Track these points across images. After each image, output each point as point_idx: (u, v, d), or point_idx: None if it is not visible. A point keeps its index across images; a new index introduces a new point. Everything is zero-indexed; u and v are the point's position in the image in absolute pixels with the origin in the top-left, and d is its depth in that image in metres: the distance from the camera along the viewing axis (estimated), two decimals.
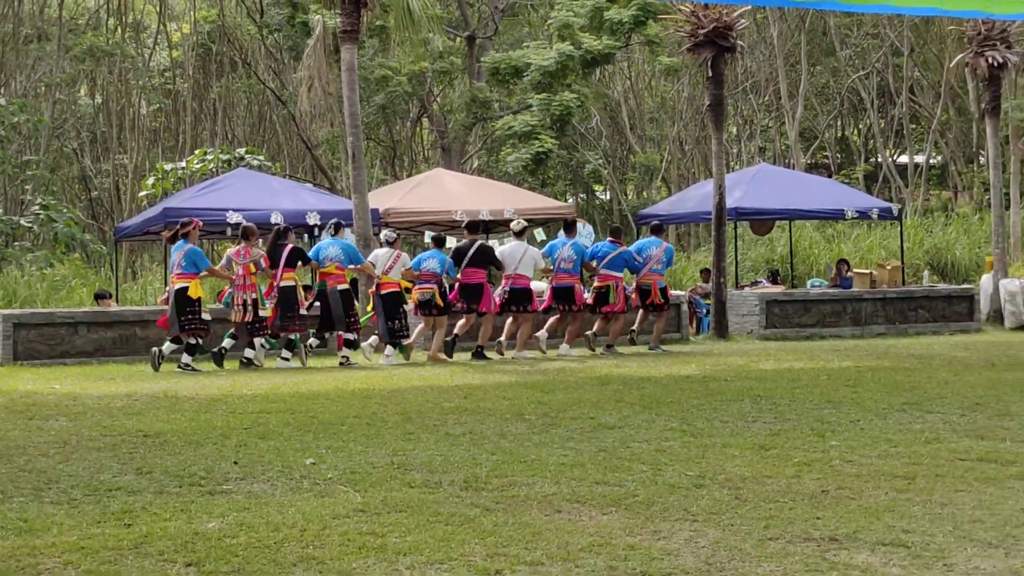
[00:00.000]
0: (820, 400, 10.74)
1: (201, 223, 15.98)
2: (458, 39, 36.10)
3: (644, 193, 39.60)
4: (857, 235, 29.60)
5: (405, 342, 15.79)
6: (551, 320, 16.68)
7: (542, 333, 16.50)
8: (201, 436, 8.82)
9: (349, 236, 19.29)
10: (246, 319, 15.03)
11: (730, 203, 20.49)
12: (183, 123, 39.18)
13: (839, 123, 43.66)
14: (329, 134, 34.69)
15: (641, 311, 17.28)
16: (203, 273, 15.07)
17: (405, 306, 15.80)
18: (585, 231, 20.81)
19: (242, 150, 28.91)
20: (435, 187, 21.92)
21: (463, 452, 8.05)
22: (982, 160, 35.81)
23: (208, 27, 38.65)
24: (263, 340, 15.32)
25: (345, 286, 15.61)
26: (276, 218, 18.78)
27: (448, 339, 15.98)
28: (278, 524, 5.93)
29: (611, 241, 17.02)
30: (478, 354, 15.94)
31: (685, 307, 19.54)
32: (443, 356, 15.81)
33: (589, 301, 16.69)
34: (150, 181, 27.72)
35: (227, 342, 15.30)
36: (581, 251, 16.60)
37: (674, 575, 5.10)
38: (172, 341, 14.83)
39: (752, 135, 41.26)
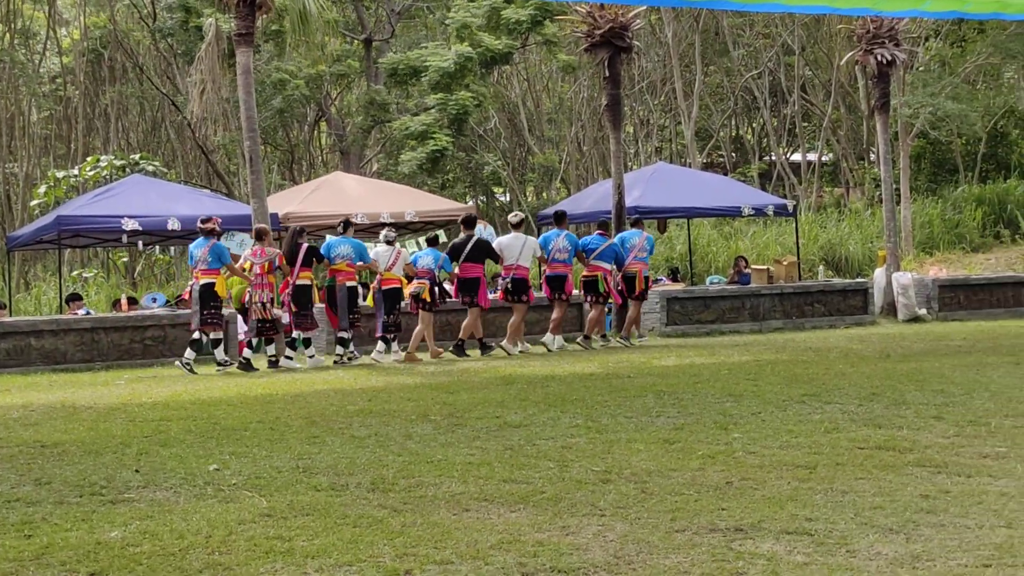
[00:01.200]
0: (722, 394, 10.86)
1: (220, 220, 16.39)
2: (355, 42, 35.93)
3: (544, 194, 39.77)
4: (754, 232, 30.01)
5: (392, 335, 16.33)
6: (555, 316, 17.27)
7: (547, 337, 17.03)
8: (100, 445, 8.66)
9: (248, 241, 19.12)
10: (263, 316, 15.44)
11: (629, 202, 20.66)
12: (75, 130, 38.46)
13: (733, 122, 44.21)
14: (225, 139, 34.30)
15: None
16: (223, 269, 15.43)
17: (403, 302, 16.43)
18: (486, 232, 20.82)
19: (136, 156, 28.46)
20: (334, 190, 21.80)
21: (369, 454, 8.01)
22: (873, 156, 36.49)
23: (99, 33, 37.97)
24: (260, 341, 15.80)
25: (354, 283, 16.18)
26: (173, 224, 18.56)
27: (457, 343, 16.52)
28: (182, 531, 5.85)
29: (599, 234, 17.78)
30: (459, 348, 16.41)
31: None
32: (418, 357, 16.17)
33: (578, 291, 17.45)
34: (42, 189, 27.18)
35: (247, 352, 15.66)
36: (575, 242, 17.27)
37: (583, 569, 5.12)
38: (190, 346, 15.28)
39: (649, 135, 41.62)
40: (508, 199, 41.39)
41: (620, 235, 18.33)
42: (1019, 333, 17.56)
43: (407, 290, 16.49)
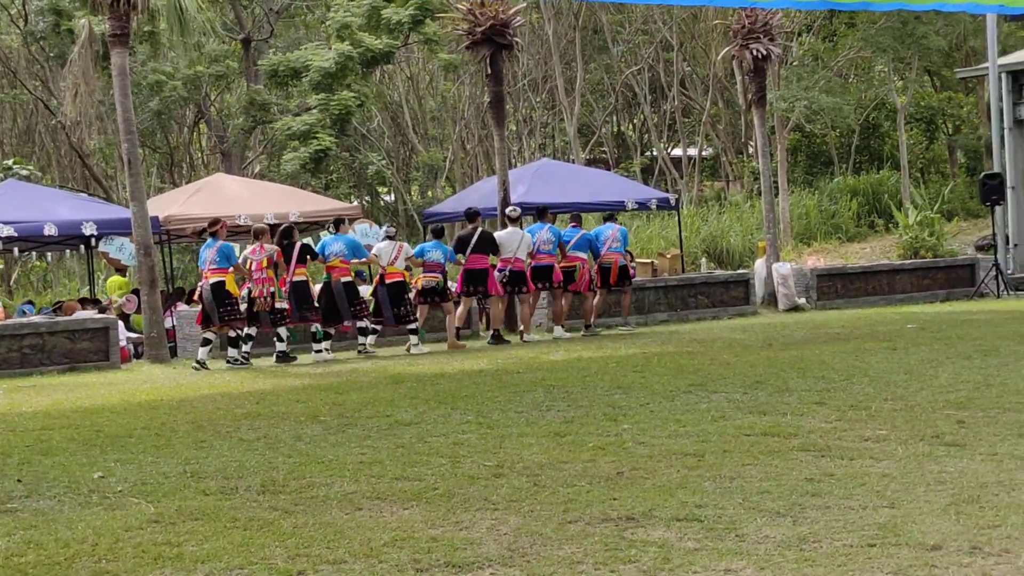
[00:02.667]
0: (610, 386, 10.96)
1: (227, 222, 16.86)
2: (233, 42, 35.50)
3: (429, 192, 39.75)
4: (637, 226, 30.33)
5: (415, 325, 16.85)
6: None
7: (558, 329, 17.99)
8: None
9: (128, 245, 18.80)
10: (266, 308, 15.75)
11: (514, 198, 20.71)
12: None
13: (615, 118, 44.61)
14: (102, 142, 33.64)
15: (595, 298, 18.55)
16: (230, 269, 15.71)
17: (408, 294, 16.85)
18: (372, 232, 20.80)
19: (9, 161, 27.76)
20: (216, 192, 21.47)
21: (258, 457, 7.93)
22: (751, 150, 37.14)
23: None
24: (286, 331, 16.08)
25: (348, 278, 16.46)
26: (50, 230, 18.16)
27: (493, 335, 17.29)
28: (68, 540, 5.73)
29: (573, 226, 18.55)
30: (496, 338, 17.14)
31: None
32: (460, 344, 16.96)
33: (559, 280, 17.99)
34: None
35: (246, 347, 15.91)
36: (558, 234, 18.06)
37: (478, 564, 5.13)
38: (201, 345, 15.64)
39: (532, 132, 41.81)
40: (393, 199, 41.26)
41: (595, 230, 19.01)
42: (894, 319, 17.99)
43: (415, 283, 17.03)
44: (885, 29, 30.75)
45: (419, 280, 16.97)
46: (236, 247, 16.56)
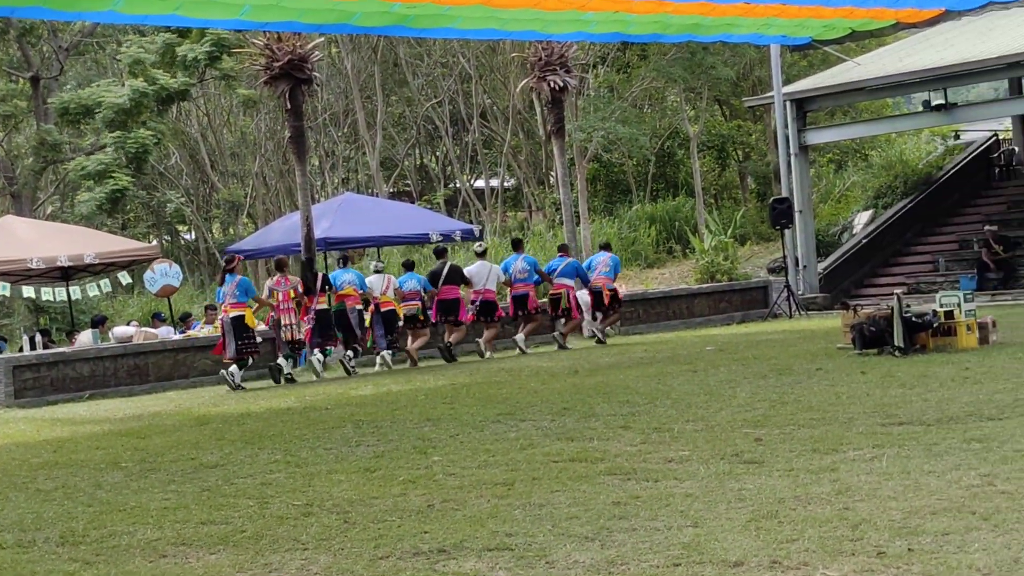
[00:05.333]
0: (420, 419, 10.96)
1: (243, 258, 18.42)
2: (21, 81, 34.36)
3: (231, 229, 39.13)
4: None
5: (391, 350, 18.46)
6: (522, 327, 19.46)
7: (519, 336, 19.16)
8: None
9: None
10: (289, 337, 17.19)
11: (318, 233, 20.58)
12: None
13: (417, 151, 44.75)
14: None
15: (600, 316, 20.13)
16: (251, 301, 16.91)
17: (400, 322, 18.58)
18: (172, 271, 20.40)
19: None
20: (6, 236, 20.72)
21: (57, 507, 7.66)
22: (552, 180, 37.68)
23: None
24: (320, 355, 17.59)
25: (360, 306, 18.14)
26: None
27: (442, 346, 18.73)
28: None
29: (560, 255, 20.22)
30: (447, 351, 18.52)
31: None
32: (416, 356, 18.57)
33: (546, 307, 19.60)
34: None
35: (282, 362, 17.16)
36: (532, 262, 19.80)
37: None
38: (238, 365, 16.61)
39: (335, 166, 41.60)
40: (193, 236, 40.48)
41: (588, 259, 20.79)
42: (694, 342, 18.47)
43: (401, 311, 18.56)
44: (676, 60, 31.68)
45: (400, 309, 18.51)
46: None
